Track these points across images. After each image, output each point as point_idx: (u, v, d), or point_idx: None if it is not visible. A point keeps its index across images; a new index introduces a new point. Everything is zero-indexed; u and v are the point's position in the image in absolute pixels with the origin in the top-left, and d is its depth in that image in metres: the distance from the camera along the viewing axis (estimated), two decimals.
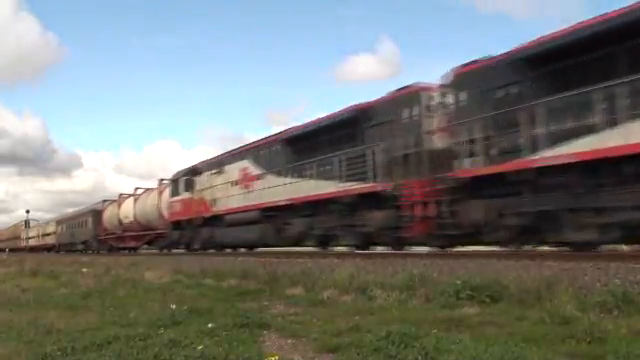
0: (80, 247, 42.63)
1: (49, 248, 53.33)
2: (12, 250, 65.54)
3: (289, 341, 4.73)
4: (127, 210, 32.23)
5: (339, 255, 13.63)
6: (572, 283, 5.93)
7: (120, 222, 33.21)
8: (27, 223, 66.51)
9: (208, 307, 6.45)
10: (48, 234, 53.51)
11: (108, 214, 36.27)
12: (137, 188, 33.23)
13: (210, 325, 5.25)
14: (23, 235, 67.21)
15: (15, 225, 75.27)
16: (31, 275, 14.84)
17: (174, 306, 6.42)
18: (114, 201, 36.86)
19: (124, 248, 35.42)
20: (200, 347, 4.36)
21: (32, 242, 62.48)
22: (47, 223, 57.69)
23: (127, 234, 32.89)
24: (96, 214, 38.72)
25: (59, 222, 50.60)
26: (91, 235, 39.08)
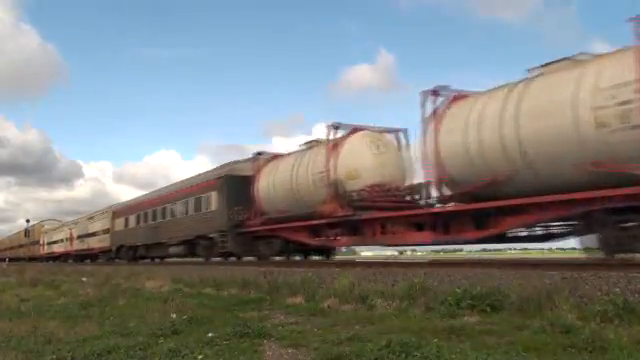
0: (177, 251, 23.62)
1: (90, 256, 38.86)
2: (29, 259, 53.87)
3: (289, 350, 4.71)
4: (380, 160, 14.58)
5: (340, 264, 13.59)
6: (573, 292, 5.92)
7: (339, 190, 14.30)
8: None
9: (208, 316, 6.44)
10: (93, 234, 37.46)
11: (281, 176, 17.01)
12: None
13: (210, 334, 5.24)
14: (43, 239, 52.87)
15: (32, 228, 60.02)
16: (31, 284, 14.79)
17: (174, 315, 6.41)
18: (278, 156, 18.77)
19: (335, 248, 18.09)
20: (200, 357, 4.37)
21: (58, 248, 47.59)
22: (91, 217, 39.34)
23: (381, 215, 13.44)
24: (234, 184, 19.32)
25: (120, 213, 32.50)
26: (219, 226, 19.43)
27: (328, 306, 7.22)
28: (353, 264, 14.08)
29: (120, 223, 32.18)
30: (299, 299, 8.05)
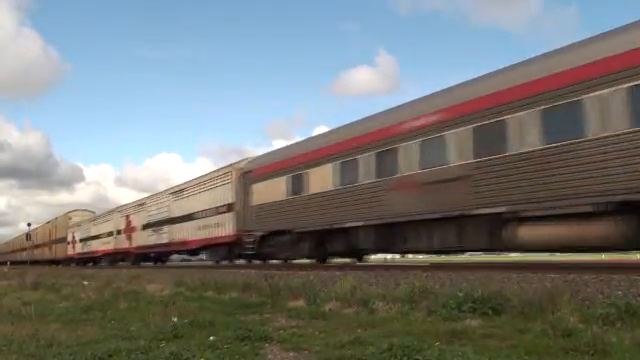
0: (573, 233, 9.21)
1: (163, 254, 26.50)
2: (49, 263, 42.37)
3: (291, 354, 4.71)
4: None
5: (341, 267, 13.58)
6: (574, 295, 5.91)
7: None
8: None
9: (209, 320, 6.43)
10: (187, 218, 22.48)
11: None
12: None
13: (212, 338, 5.24)
14: (73, 235, 40.16)
15: (54, 222, 46.07)
16: (32, 288, 14.80)
17: (175, 319, 6.40)
18: None
19: None
20: None
21: (102, 245, 33.74)
22: (179, 191, 24.12)
23: None
24: None
25: (268, 170, 17.72)
26: None
27: (329, 309, 7.22)
28: (354, 267, 14.08)
29: (270, 189, 17.04)
30: (300, 302, 8.04)
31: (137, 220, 28.51)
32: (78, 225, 40.02)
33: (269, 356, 4.66)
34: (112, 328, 6.35)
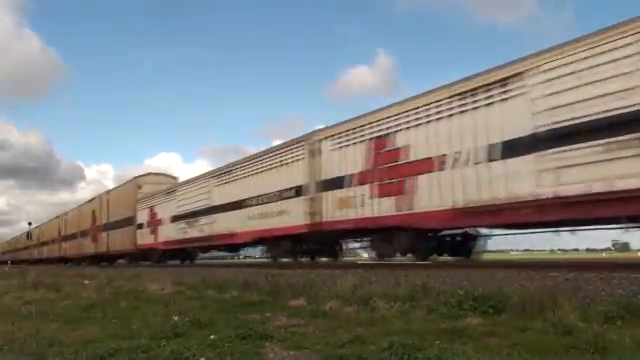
0: None
1: None
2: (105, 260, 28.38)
3: (292, 353, 4.71)
4: None
5: (341, 266, 13.60)
6: (575, 293, 5.91)
7: None
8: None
9: (210, 318, 6.44)
10: None
11: None
12: None
13: (212, 337, 5.24)
14: (153, 213, 23.57)
15: (102, 198, 30.10)
16: (33, 287, 14.79)
17: (176, 318, 6.41)
18: None
19: None
20: (202, 359, 4.37)
21: (250, 221, 16.15)
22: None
23: None
24: None
25: None
26: None
27: (330, 308, 7.21)
28: (355, 266, 14.10)
29: None
30: (301, 301, 8.04)
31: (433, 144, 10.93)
32: (165, 194, 23.02)
33: (270, 355, 4.66)
34: (113, 327, 6.36)
